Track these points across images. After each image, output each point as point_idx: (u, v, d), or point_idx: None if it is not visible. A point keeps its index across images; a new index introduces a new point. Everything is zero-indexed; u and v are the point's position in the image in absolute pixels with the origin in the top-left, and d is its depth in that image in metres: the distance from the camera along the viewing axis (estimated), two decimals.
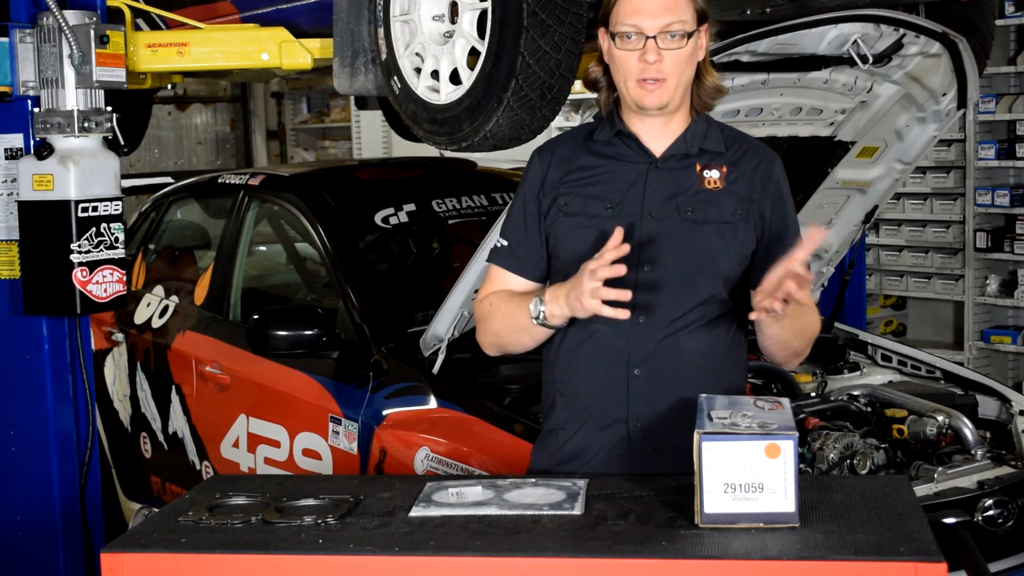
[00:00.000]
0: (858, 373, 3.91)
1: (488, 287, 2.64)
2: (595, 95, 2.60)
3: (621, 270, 2.32)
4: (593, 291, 2.33)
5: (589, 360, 2.53)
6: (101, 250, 3.73)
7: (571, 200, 2.54)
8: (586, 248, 2.49)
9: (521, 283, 2.60)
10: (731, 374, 2.56)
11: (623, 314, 2.34)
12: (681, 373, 2.49)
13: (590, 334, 2.52)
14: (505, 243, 2.62)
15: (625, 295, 2.33)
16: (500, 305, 2.57)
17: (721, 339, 2.54)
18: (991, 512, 3.02)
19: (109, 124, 3.75)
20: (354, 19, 3.61)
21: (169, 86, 5.51)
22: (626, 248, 2.33)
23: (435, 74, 3.29)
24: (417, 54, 3.35)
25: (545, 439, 2.64)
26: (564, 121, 7.72)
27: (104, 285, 3.76)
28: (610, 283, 2.33)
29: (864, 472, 3.14)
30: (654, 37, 2.41)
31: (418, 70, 3.35)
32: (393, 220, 4.22)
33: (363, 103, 6.06)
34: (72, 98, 3.68)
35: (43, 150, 3.66)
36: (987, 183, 6.84)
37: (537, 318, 2.47)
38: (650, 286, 2.48)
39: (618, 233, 2.34)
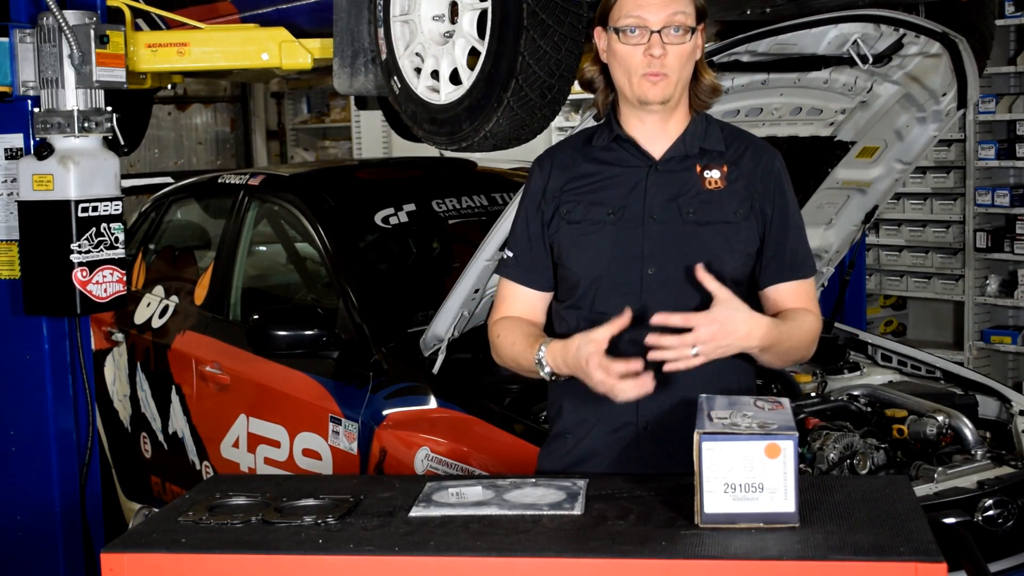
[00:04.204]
0: (858, 373, 3.90)
1: (499, 304, 2.64)
2: (592, 95, 2.60)
3: (636, 365, 2.34)
4: (601, 365, 2.34)
5: None
6: (101, 250, 3.73)
7: (573, 208, 2.54)
8: (590, 255, 2.49)
9: (530, 294, 2.61)
10: (739, 375, 2.55)
11: (648, 385, 2.35)
12: (690, 375, 2.47)
13: None
14: (511, 255, 2.62)
15: (636, 365, 2.34)
16: (507, 339, 2.57)
17: None
18: (991, 512, 3.02)
19: (109, 124, 3.75)
20: (354, 19, 3.61)
21: (169, 86, 5.51)
22: (624, 322, 2.35)
23: (435, 74, 3.29)
24: (417, 54, 3.35)
25: (553, 443, 2.63)
26: (564, 121, 7.72)
27: (104, 285, 3.76)
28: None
29: (864, 472, 3.14)
30: (659, 32, 2.41)
31: (418, 70, 3.35)
32: (393, 220, 4.22)
33: (363, 103, 6.06)
34: (72, 98, 3.68)
35: (43, 150, 3.66)
36: (987, 183, 6.83)
37: (546, 375, 2.49)
38: (655, 289, 2.48)
39: (626, 316, 2.37)
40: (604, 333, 2.36)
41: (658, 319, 2.32)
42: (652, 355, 2.32)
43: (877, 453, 3.22)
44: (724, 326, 2.31)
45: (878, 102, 3.67)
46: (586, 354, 2.35)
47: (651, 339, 2.32)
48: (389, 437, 3.55)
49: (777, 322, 2.43)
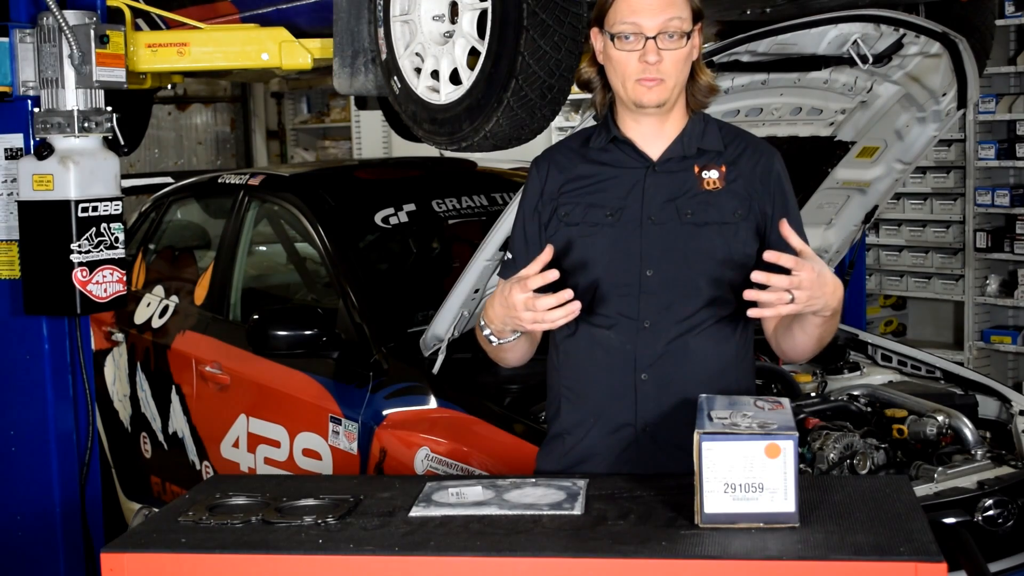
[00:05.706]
0: (858, 373, 3.90)
1: None
2: (590, 95, 2.60)
3: (552, 276, 2.34)
4: (527, 304, 2.34)
5: (596, 365, 2.52)
6: (101, 250, 3.73)
7: (571, 210, 2.53)
8: (589, 256, 2.49)
9: None
10: (739, 376, 2.55)
11: (574, 305, 2.34)
12: (689, 376, 2.48)
13: (596, 339, 2.51)
14: (510, 256, 2.62)
15: (566, 294, 2.34)
16: (477, 324, 2.58)
17: (729, 340, 2.53)
18: (991, 512, 3.02)
19: (109, 124, 3.75)
20: (354, 19, 3.61)
21: (169, 86, 5.51)
22: (552, 275, 2.35)
23: (435, 74, 3.29)
24: (417, 54, 3.35)
25: (551, 443, 2.63)
26: (564, 121, 7.72)
27: (104, 285, 3.76)
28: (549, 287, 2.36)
29: (864, 472, 3.14)
30: (654, 37, 2.41)
31: (418, 70, 3.35)
32: (393, 220, 4.22)
33: (363, 103, 6.06)
34: (72, 98, 3.68)
35: (43, 150, 3.66)
36: (987, 183, 6.84)
37: (486, 336, 2.49)
38: (654, 290, 2.47)
39: (547, 252, 2.38)
40: (531, 270, 2.36)
41: (771, 256, 2.28)
42: (748, 293, 2.28)
43: (877, 453, 3.21)
44: (820, 277, 2.30)
45: (878, 102, 3.67)
46: (509, 286, 2.36)
47: (758, 275, 2.27)
48: (389, 437, 3.55)
49: None
